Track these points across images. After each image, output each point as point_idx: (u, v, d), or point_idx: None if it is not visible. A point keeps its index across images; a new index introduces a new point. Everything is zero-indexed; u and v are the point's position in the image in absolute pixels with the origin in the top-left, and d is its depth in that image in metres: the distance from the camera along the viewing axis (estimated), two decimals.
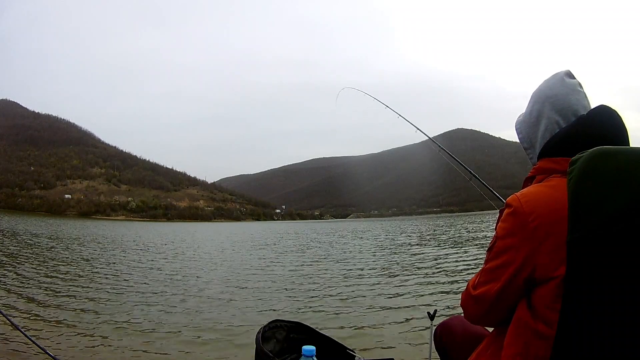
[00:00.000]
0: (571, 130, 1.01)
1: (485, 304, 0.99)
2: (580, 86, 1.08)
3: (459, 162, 2.97)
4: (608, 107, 1.02)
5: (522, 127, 1.16)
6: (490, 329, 1.11)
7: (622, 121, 1.00)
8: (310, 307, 5.62)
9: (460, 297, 1.08)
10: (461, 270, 8.93)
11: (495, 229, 1.02)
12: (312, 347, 1.41)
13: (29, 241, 18.01)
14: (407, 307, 5.50)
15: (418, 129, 3.29)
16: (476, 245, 15.20)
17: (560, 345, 0.83)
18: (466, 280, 7.51)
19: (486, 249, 1.03)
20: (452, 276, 8.11)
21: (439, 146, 3.06)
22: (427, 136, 3.22)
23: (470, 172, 2.88)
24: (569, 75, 1.09)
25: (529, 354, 0.89)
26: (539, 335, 0.88)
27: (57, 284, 7.27)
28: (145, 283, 7.74)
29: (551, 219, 0.88)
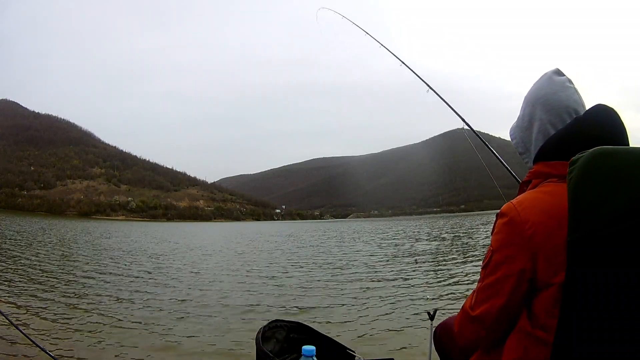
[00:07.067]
0: (566, 133, 0.98)
1: (486, 322, 0.95)
2: (570, 82, 1.05)
3: (452, 108, 2.73)
4: (605, 105, 0.99)
5: (515, 133, 1.15)
6: None
7: (620, 120, 0.97)
8: (311, 307, 5.63)
9: (457, 304, 1.06)
10: (461, 270, 8.94)
11: (490, 241, 0.98)
12: (312, 347, 1.41)
13: (28, 242, 18.00)
14: (407, 307, 5.52)
15: (402, 62, 3.03)
16: (476, 245, 15.20)
17: (559, 350, 0.83)
18: (466, 279, 7.56)
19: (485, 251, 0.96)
20: (453, 276, 8.12)
21: (428, 85, 2.85)
22: (412, 71, 2.94)
23: (463, 121, 2.70)
24: (557, 73, 1.07)
25: (528, 359, 0.88)
26: (538, 340, 0.88)
27: (57, 284, 7.27)
28: (146, 284, 7.75)
29: (548, 225, 0.87)
